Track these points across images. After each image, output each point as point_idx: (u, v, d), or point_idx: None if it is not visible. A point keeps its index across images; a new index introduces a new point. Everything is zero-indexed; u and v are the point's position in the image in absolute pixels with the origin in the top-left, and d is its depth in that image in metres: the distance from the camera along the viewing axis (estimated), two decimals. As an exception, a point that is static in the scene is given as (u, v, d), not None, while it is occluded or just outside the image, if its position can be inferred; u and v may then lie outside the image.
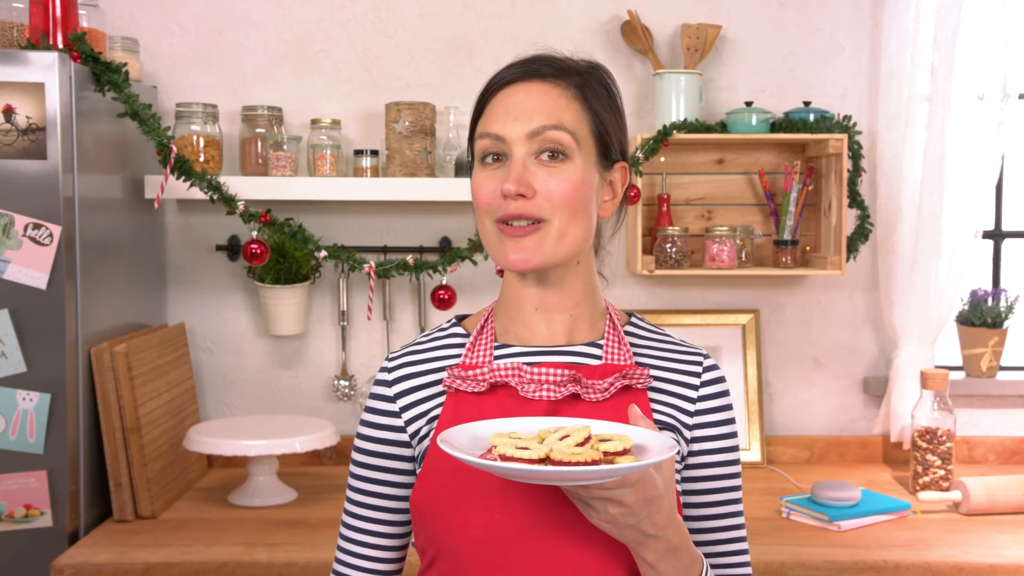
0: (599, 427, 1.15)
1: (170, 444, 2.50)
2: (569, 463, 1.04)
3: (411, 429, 1.30)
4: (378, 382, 1.34)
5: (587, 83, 1.27)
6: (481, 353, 1.29)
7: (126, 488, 2.32)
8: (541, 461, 1.06)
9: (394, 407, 1.31)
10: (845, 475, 2.69)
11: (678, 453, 1.28)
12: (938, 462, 2.55)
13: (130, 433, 2.31)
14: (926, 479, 2.55)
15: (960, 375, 2.88)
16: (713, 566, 1.30)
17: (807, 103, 2.72)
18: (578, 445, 1.07)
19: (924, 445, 2.56)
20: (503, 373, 1.25)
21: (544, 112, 1.23)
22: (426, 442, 1.28)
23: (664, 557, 1.15)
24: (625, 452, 1.07)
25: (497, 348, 1.30)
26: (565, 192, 1.22)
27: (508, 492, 1.19)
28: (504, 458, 1.06)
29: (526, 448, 1.07)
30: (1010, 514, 2.41)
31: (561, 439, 1.08)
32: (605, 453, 1.06)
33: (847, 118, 2.67)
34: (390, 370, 1.33)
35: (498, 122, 1.24)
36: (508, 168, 1.23)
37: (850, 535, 2.27)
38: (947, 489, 2.52)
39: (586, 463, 1.04)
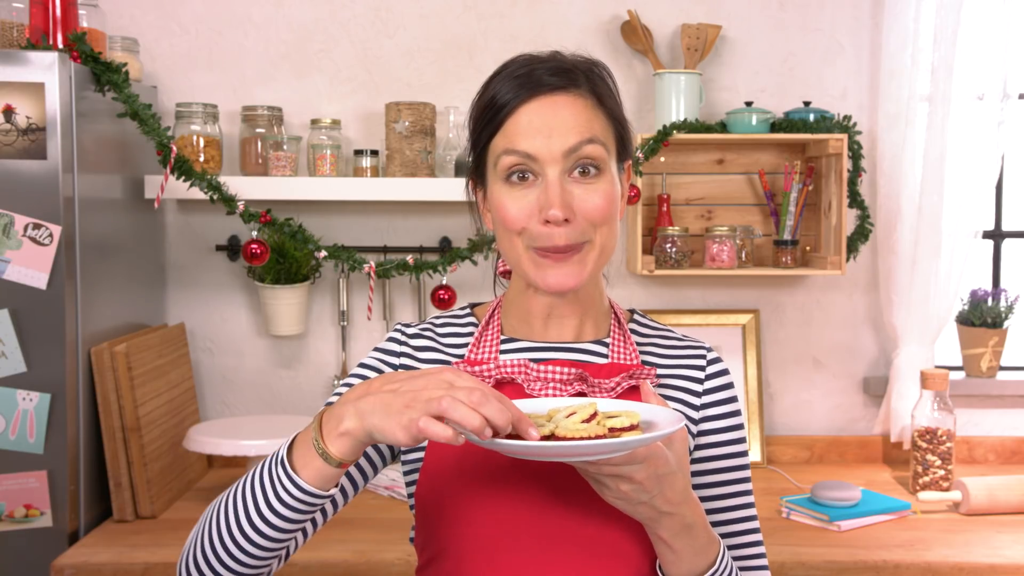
0: (607, 405, 1.14)
1: (170, 444, 2.50)
2: (573, 439, 1.03)
3: None
4: (391, 339, 1.34)
5: (597, 85, 1.25)
6: (487, 348, 1.29)
7: (126, 488, 2.32)
8: (547, 439, 1.04)
9: (405, 351, 1.32)
10: (845, 475, 2.69)
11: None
12: (938, 462, 2.55)
13: (130, 433, 2.31)
14: (926, 479, 2.55)
15: (960, 375, 2.88)
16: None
17: (807, 103, 2.72)
18: (584, 422, 1.06)
19: (924, 445, 2.56)
20: (509, 370, 1.24)
21: (575, 127, 1.20)
22: None
23: (679, 535, 1.14)
24: (632, 428, 1.06)
25: (504, 342, 1.30)
26: (604, 208, 1.21)
27: (513, 490, 1.19)
28: (509, 436, 1.05)
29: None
30: (1010, 514, 2.41)
31: (568, 417, 1.08)
32: (612, 429, 1.05)
33: (847, 118, 2.68)
34: (407, 335, 1.34)
35: (527, 140, 1.20)
36: (542, 189, 1.20)
37: (850, 535, 2.27)
38: (947, 489, 2.52)
39: (589, 438, 1.03)
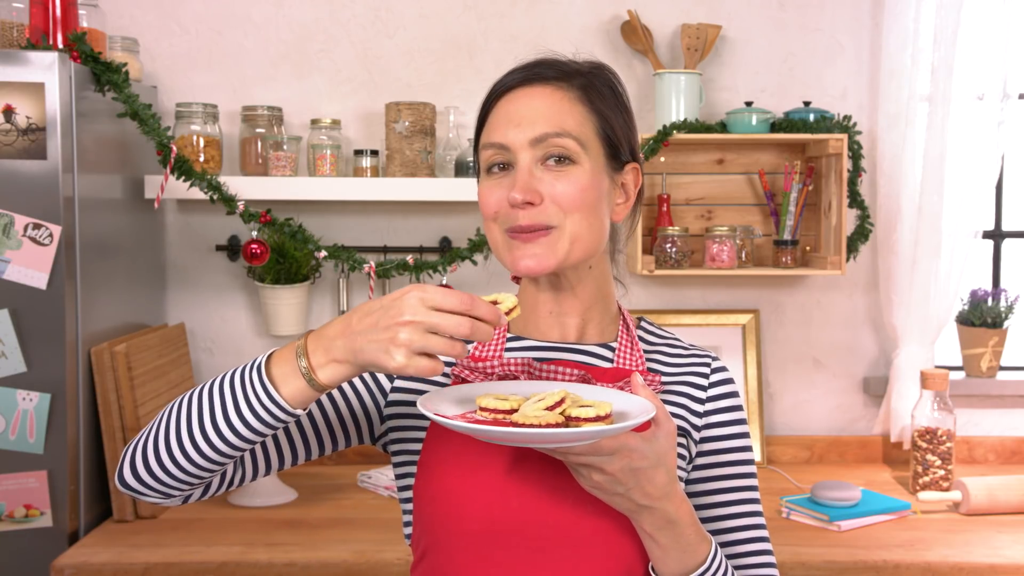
0: (587, 393, 1.14)
1: (170, 444, 2.50)
2: (525, 425, 1.03)
3: (393, 397, 1.29)
4: None
5: (590, 84, 1.26)
6: (493, 346, 1.29)
7: (126, 488, 2.32)
8: (509, 425, 1.05)
9: None
10: (845, 475, 2.69)
11: (684, 450, 1.28)
12: (938, 462, 2.55)
13: (130, 433, 2.31)
14: (926, 479, 2.55)
15: (960, 375, 2.88)
16: (735, 567, 1.27)
17: (807, 103, 2.72)
18: (548, 408, 1.06)
19: (924, 445, 2.56)
20: (513, 368, 1.25)
21: (546, 118, 1.22)
22: (405, 420, 1.28)
23: (662, 529, 1.14)
24: (599, 419, 1.05)
25: (510, 340, 1.31)
26: (573, 195, 1.21)
27: (508, 486, 1.19)
28: (464, 418, 1.06)
29: (495, 410, 1.07)
30: (1010, 514, 2.41)
31: (537, 402, 1.08)
32: (574, 419, 1.05)
33: (847, 118, 2.68)
34: None
35: (500, 131, 1.23)
36: (514, 176, 1.22)
37: (850, 535, 2.27)
38: (947, 489, 2.52)
39: (542, 426, 1.03)
